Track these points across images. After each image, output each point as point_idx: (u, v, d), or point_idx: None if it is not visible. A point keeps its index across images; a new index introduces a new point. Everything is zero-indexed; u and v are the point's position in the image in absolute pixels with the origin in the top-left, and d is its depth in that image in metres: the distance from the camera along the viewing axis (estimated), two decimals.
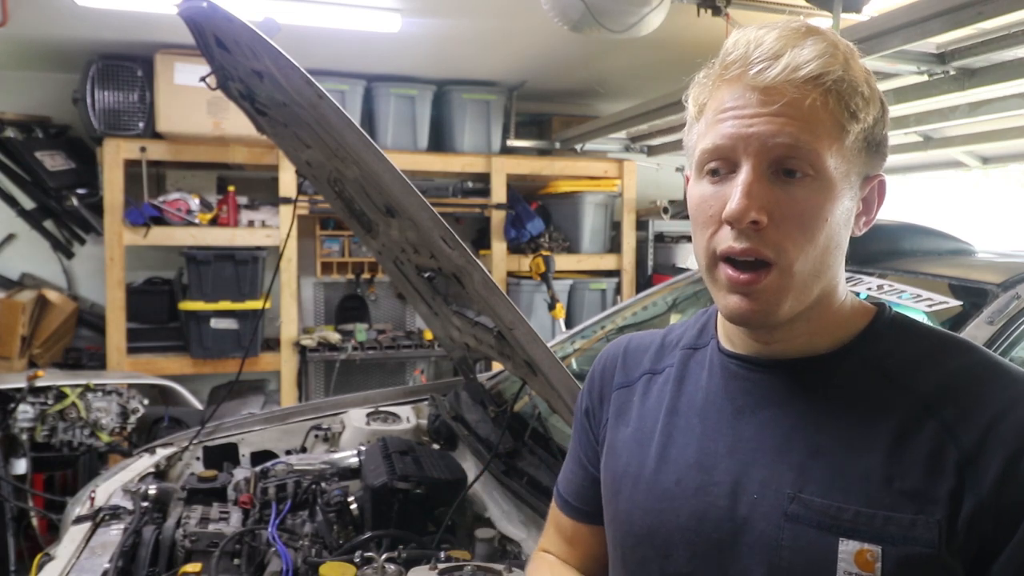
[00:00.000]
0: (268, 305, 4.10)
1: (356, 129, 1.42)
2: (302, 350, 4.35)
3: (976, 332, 1.50)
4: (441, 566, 1.49)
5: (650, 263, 5.01)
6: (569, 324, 4.49)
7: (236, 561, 1.65)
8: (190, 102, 3.88)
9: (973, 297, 1.67)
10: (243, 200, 4.31)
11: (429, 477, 1.82)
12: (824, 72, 0.76)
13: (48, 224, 4.36)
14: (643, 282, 4.92)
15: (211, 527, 1.73)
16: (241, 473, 2.06)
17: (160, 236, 4.07)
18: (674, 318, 2.53)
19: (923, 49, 2.46)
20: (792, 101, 0.76)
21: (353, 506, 1.82)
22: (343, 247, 4.62)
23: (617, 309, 2.68)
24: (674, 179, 5.23)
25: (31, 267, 4.39)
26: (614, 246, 5.01)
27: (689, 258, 4.71)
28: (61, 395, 3.29)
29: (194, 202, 4.18)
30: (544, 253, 4.60)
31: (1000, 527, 0.72)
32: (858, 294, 1.16)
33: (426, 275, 2.06)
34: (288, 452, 2.32)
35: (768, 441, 0.83)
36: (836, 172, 0.79)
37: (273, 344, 4.42)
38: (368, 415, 2.43)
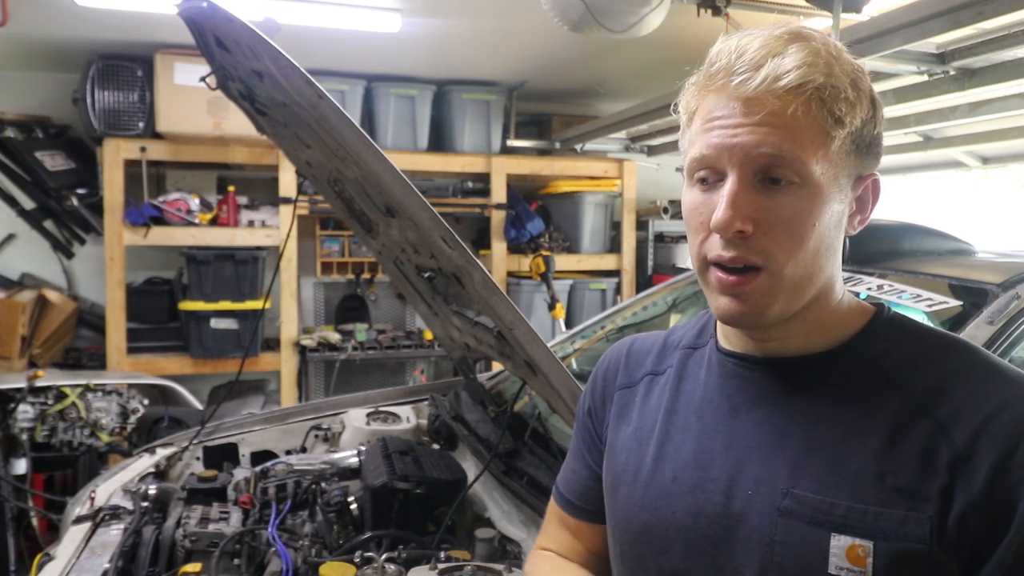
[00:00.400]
0: (268, 305, 4.10)
1: (356, 129, 1.42)
2: (302, 350, 4.35)
3: (976, 332, 1.50)
4: (441, 566, 1.49)
5: (650, 263, 5.01)
6: (569, 324, 4.49)
7: (236, 561, 1.65)
8: (190, 102, 3.88)
9: (973, 297, 1.67)
10: (243, 200, 4.31)
11: (429, 477, 1.81)
12: (805, 81, 0.77)
13: (48, 224, 4.36)
14: (643, 282, 4.92)
15: (211, 527, 1.72)
16: (241, 473, 2.06)
17: (160, 236, 4.07)
18: (674, 318, 2.53)
19: (923, 49, 2.47)
20: (774, 111, 0.77)
21: (353, 506, 1.82)
22: (343, 247, 4.62)
23: (617, 309, 2.68)
24: (674, 179, 5.22)
25: (31, 267, 4.39)
26: (614, 246, 5.01)
27: (689, 258, 4.70)
28: (61, 395, 3.29)
29: (194, 202, 4.18)
30: (544, 253, 4.60)
31: (991, 526, 0.72)
32: (858, 294, 1.16)
33: (426, 275, 2.06)
34: (288, 452, 2.32)
35: (764, 438, 0.84)
36: (823, 177, 0.79)
37: (273, 344, 4.42)
38: (368, 415, 2.43)
